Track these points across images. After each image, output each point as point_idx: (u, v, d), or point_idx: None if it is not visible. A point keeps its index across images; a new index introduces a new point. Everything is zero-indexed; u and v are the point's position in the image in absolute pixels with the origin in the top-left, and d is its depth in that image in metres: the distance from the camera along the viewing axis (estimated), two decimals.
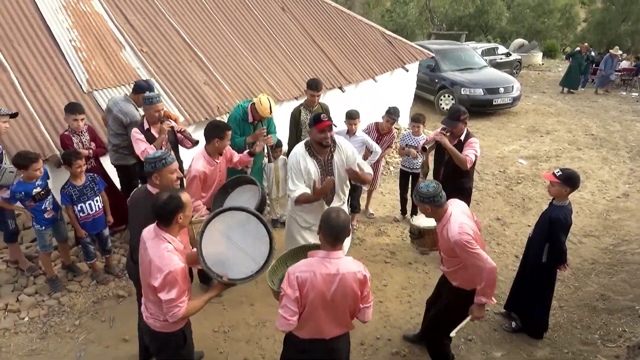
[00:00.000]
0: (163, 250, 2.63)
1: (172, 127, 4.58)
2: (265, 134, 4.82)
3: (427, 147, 4.96)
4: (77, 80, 6.07)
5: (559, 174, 3.76)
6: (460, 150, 4.63)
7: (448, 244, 3.18)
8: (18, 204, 4.28)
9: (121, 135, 4.91)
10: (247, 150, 4.55)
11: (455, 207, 3.27)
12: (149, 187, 3.17)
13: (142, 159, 4.32)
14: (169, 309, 2.65)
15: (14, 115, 4.49)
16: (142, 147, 4.44)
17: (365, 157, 5.61)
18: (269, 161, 5.65)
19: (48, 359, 3.87)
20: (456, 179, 4.72)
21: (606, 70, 14.84)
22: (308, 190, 3.74)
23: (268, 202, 5.83)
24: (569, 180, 3.73)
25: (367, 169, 3.95)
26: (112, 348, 3.97)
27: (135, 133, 4.53)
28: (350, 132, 5.44)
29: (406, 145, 5.86)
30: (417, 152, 5.66)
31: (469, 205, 5.10)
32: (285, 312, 2.58)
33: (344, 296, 2.60)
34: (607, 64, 14.79)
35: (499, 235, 6.06)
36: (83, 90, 6.02)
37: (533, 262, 4.03)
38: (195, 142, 4.72)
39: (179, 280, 2.62)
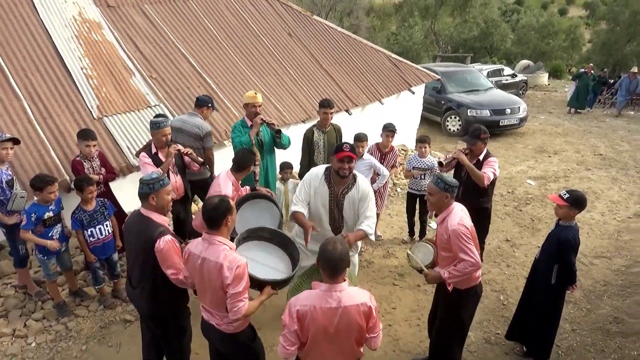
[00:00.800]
0: (224, 251, 2.76)
1: (178, 151, 4.64)
2: (262, 117, 4.94)
3: (444, 163, 4.97)
4: (88, 107, 6.20)
5: (566, 196, 3.71)
6: (479, 169, 4.65)
7: (445, 234, 3.30)
8: (36, 238, 4.24)
9: (198, 150, 5.08)
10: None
11: (458, 206, 3.42)
12: (142, 210, 3.14)
13: None
14: (234, 303, 2.74)
15: (16, 141, 4.53)
16: (149, 170, 4.48)
17: (372, 181, 5.63)
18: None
19: None
20: (474, 199, 4.70)
21: (624, 91, 14.59)
22: (305, 212, 3.72)
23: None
24: (576, 202, 3.69)
25: (368, 226, 3.71)
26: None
27: (143, 157, 4.62)
28: (358, 155, 5.44)
29: (412, 167, 5.88)
30: (427, 172, 5.77)
31: (488, 228, 5.11)
32: (285, 341, 2.60)
33: (348, 329, 2.55)
34: (626, 84, 14.56)
35: (509, 257, 5.99)
36: (93, 117, 6.13)
37: (541, 285, 3.95)
38: (202, 164, 4.80)
39: (246, 274, 2.76)
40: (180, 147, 4.67)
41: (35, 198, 4.27)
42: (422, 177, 5.88)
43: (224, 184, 4.10)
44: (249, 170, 4.21)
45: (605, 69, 17.63)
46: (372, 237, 3.77)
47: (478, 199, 4.78)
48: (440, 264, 3.52)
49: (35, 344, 4.24)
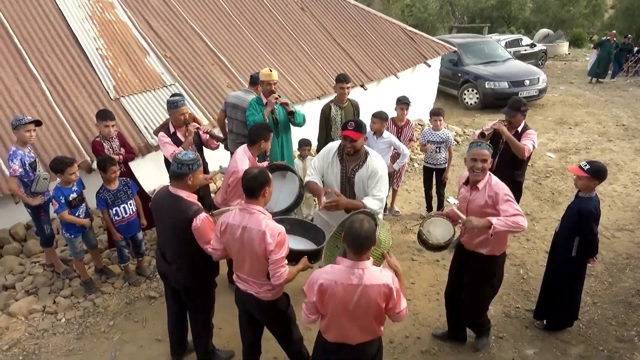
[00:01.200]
0: (264, 220, 2.84)
1: (198, 129, 4.68)
2: (277, 96, 4.88)
3: (486, 134, 4.86)
4: (105, 88, 6.23)
5: (586, 167, 3.66)
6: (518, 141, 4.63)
7: (486, 199, 3.33)
8: (75, 218, 4.38)
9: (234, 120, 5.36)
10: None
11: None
12: (171, 189, 3.17)
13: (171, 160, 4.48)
14: (277, 269, 2.84)
15: (38, 124, 4.58)
16: (170, 150, 4.59)
17: (393, 160, 5.59)
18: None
19: (85, 359, 3.99)
20: (509, 171, 4.68)
21: None
22: (318, 181, 3.81)
23: None
24: (597, 173, 3.64)
25: (372, 204, 3.59)
26: (146, 348, 4.06)
27: (162, 137, 4.67)
28: (377, 133, 5.40)
29: (427, 141, 5.84)
30: (442, 145, 5.79)
31: (519, 200, 5.04)
32: (307, 309, 2.68)
33: (367, 307, 2.55)
34: None
35: (529, 231, 5.94)
36: (110, 97, 6.17)
37: (562, 258, 3.93)
38: (222, 140, 4.86)
39: (286, 242, 2.87)
40: (199, 125, 4.70)
41: (58, 180, 4.35)
42: (438, 150, 5.82)
43: (241, 159, 4.10)
44: (262, 145, 4.16)
45: (630, 35, 16.83)
46: (377, 214, 3.48)
47: (513, 172, 4.77)
48: (469, 234, 3.51)
49: (65, 320, 4.38)
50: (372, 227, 2.58)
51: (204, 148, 5.06)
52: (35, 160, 4.54)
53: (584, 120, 10.47)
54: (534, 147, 4.65)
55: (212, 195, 6.10)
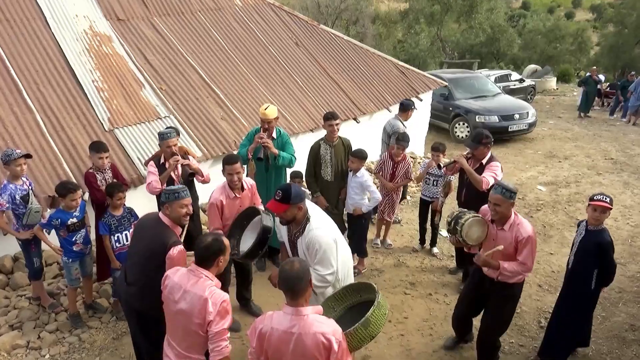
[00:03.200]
0: (209, 286, 2.68)
1: (177, 161, 4.70)
2: (262, 136, 4.93)
3: (443, 165, 5.08)
4: (99, 119, 6.27)
5: (608, 199, 3.78)
6: (480, 174, 4.65)
7: (514, 240, 3.50)
8: (47, 237, 4.42)
9: (387, 144, 6.50)
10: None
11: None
12: (160, 214, 3.31)
13: (147, 190, 4.69)
14: (217, 342, 2.61)
15: (28, 156, 4.62)
16: (149, 179, 4.68)
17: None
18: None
19: None
20: (478, 203, 4.54)
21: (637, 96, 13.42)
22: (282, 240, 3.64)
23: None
24: (612, 203, 3.81)
25: (315, 280, 2.97)
26: None
27: (150, 166, 4.76)
28: (353, 171, 5.34)
29: (428, 173, 5.85)
30: (440, 178, 5.76)
31: None
32: (250, 355, 2.58)
33: (304, 358, 2.36)
34: (638, 89, 13.42)
35: None
36: (105, 129, 6.20)
37: (579, 291, 3.98)
38: (202, 175, 4.93)
39: (230, 311, 2.68)
40: (179, 158, 4.71)
41: (62, 204, 4.37)
42: (435, 183, 5.84)
43: (216, 190, 4.23)
44: (225, 173, 4.13)
45: (633, 72, 16.51)
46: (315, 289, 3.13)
47: (482, 203, 4.69)
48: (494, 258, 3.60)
49: (49, 356, 4.26)
50: (304, 268, 2.46)
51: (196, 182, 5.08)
52: (27, 193, 4.52)
53: (573, 153, 10.64)
54: (495, 179, 4.60)
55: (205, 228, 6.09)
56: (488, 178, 4.60)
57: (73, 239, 4.41)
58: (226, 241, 2.81)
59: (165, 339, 2.90)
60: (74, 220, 4.37)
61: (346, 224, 5.77)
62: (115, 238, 4.49)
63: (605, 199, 3.76)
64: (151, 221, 3.32)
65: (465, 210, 3.93)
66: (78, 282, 4.60)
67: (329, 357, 2.34)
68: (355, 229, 5.55)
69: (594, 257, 3.81)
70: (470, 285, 4.04)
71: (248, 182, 4.41)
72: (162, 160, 4.80)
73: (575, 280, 3.98)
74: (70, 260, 4.45)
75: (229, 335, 2.66)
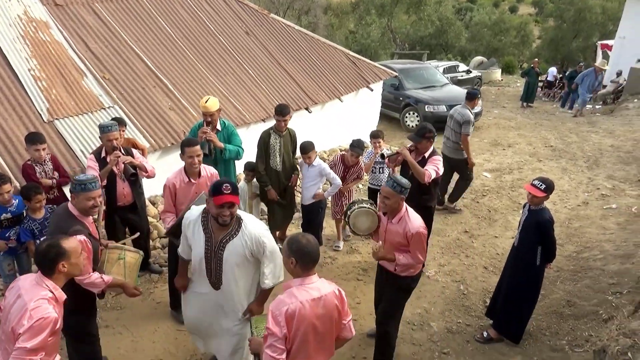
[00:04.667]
0: (40, 297, 2.40)
1: (118, 157, 4.51)
2: (205, 131, 4.83)
3: (386, 155, 5.15)
4: (37, 110, 5.95)
5: (542, 186, 3.96)
6: (423, 167, 4.74)
7: (402, 234, 3.53)
8: None
9: (458, 134, 6.67)
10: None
11: (407, 206, 3.64)
12: (69, 204, 3.26)
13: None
14: (16, 359, 2.28)
15: None
16: (89, 173, 4.42)
17: (324, 189, 5.64)
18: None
19: None
20: (418, 196, 4.75)
21: (585, 88, 13.44)
22: (187, 258, 3.36)
23: None
24: (550, 189, 4.00)
25: (269, 282, 3.17)
26: None
27: (90, 160, 4.59)
28: (307, 164, 5.40)
29: (372, 161, 5.94)
30: (383, 164, 5.80)
31: (431, 226, 5.21)
32: (274, 351, 2.43)
33: (330, 318, 2.56)
34: (590, 81, 13.36)
35: (467, 248, 6.18)
36: (43, 120, 5.89)
37: (525, 268, 4.18)
38: (146, 171, 4.78)
39: (46, 330, 2.34)
40: (120, 154, 4.54)
41: None
42: (381, 171, 5.96)
43: (173, 172, 4.20)
44: (182, 157, 4.09)
45: (582, 63, 16.81)
46: (270, 284, 3.19)
47: (421, 197, 4.83)
48: (387, 252, 3.66)
49: None
50: (315, 239, 2.62)
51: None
52: None
53: (516, 141, 11.11)
54: (437, 173, 4.73)
55: (155, 221, 5.93)
56: (430, 171, 4.68)
57: (6, 235, 4.20)
58: (69, 244, 2.53)
59: None
60: (8, 215, 4.16)
61: (297, 214, 5.79)
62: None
63: (540, 185, 3.97)
64: (60, 209, 3.29)
65: (362, 200, 4.03)
66: (12, 277, 4.36)
67: (343, 306, 2.62)
68: (312, 218, 5.60)
69: (536, 234, 4.06)
70: (376, 278, 4.18)
71: (208, 170, 4.30)
72: (102, 154, 4.61)
73: (522, 257, 4.22)
74: (1, 254, 4.25)
75: (36, 358, 2.32)
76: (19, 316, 2.35)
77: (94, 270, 3.19)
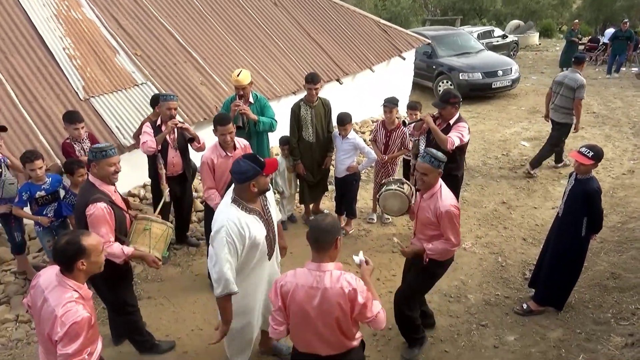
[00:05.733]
0: (67, 301, 2.31)
1: (175, 124, 4.61)
2: (238, 104, 4.82)
3: (407, 122, 4.98)
4: (74, 88, 6.06)
5: (590, 153, 3.77)
6: (447, 134, 4.56)
7: (432, 212, 3.31)
8: (27, 209, 4.31)
9: (570, 99, 6.76)
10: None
11: (441, 180, 3.41)
12: (89, 176, 3.26)
13: (142, 149, 4.64)
14: None
15: (3, 129, 4.49)
16: (143, 139, 4.61)
17: (357, 162, 5.55)
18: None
19: None
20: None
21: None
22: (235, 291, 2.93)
23: (277, 199, 5.74)
24: (598, 157, 3.81)
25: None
26: (125, 353, 3.97)
27: (146, 127, 4.69)
28: (342, 136, 5.31)
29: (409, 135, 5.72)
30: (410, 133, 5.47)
31: (458, 195, 5.03)
32: (273, 320, 2.55)
33: (328, 313, 2.40)
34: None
35: (506, 219, 6.03)
36: (80, 98, 6.00)
37: (570, 238, 4.03)
38: (199, 142, 4.83)
39: (82, 333, 2.29)
40: (178, 121, 4.63)
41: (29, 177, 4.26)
42: (418, 143, 5.79)
43: (208, 148, 4.22)
44: (216, 133, 4.07)
45: (626, 20, 15.25)
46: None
47: (446, 165, 4.58)
48: (418, 232, 3.56)
49: None
50: (332, 221, 2.48)
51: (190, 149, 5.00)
52: (0, 165, 4.38)
53: None
54: (460, 140, 4.51)
55: (195, 192, 6.03)
56: (454, 138, 4.48)
57: (44, 212, 4.31)
58: (89, 241, 2.40)
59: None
60: (42, 193, 4.25)
61: (331, 187, 5.75)
62: None
63: (588, 152, 3.78)
64: (84, 184, 3.33)
65: (392, 181, 3.93)
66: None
67: (353, 308, 2.39)
68: (346, 191, 5.55)
69: (582, 205, 3.89)
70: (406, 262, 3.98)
71: (241, 142, 4.31)
72: (158, 122, 4.71)
73: (566, 227, 4.06)
74: (41, 229, 4.38)
75: (83, 357, 2.31)
76: (50, 323, 2.29)
77: (117, 239, 3.22)
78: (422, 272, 3.60)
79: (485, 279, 4.88)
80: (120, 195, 3.51)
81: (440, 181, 3.39)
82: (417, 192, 3.63)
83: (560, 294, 4.26)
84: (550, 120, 7.23)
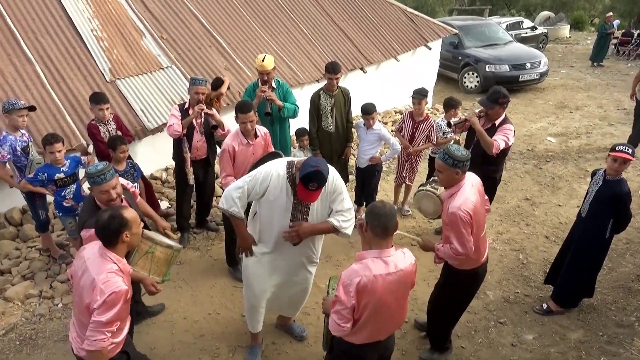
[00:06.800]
0: (107, 271, 2.43)
1: (202, 109, 4.59)
2: (264, 90, 4.79)
3: (453, 123, 4.72)
4: (100, 70, 6.12)
5: (630, 150, 3.67)
6: (492, 135, 4.32)
7: (445, 212, 3.16)
8: (37, 188, 4.31)
9: None
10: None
11: (468, 180, 3.14)
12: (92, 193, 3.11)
13: (168, 132, 4.63)
14: (95, 332, 2.37)
15: (32, 109, 4.54)
16: (170, 121, 4.62)
17: (380, 153, 5.49)
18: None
19: None
20: (483, 166, 4.31)
21: None
22: (243, 216, 3.17)
23: None
24: (634, 154, 3.70)
25: (345, 222, 3.12)
26: (144, 333, 4.04)
27: (174, 109, 4.70)
28: (367, 126, 5.25)
29: (443, 132, 5.51)
30: (450, 131, 5.34)
31: (492, 199, 4.87)
32: (340, 318, 2.46)
33: (405, 290, 2.55)
34: None
35: (528, 216, 5.92)
36: (106, 80, 6.06)
37: (592, 240, 3.94)
38: (223, 129, 4.78)
39: (119, 304, 2.40)
40: (204, 107, 4.62)
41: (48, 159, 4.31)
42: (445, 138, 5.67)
43: (229, 135, 4.19)
44: (238, 120, 4.04)
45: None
46: (346, 231, 3.13)
47: (485, 167, 4.36)
48: (443, 233, 3.39)
49: (62, 305, 4.35)
50: (393, 207, 2.48)
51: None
52: (28, 144, 4.46)
53: (585, 104, 10.39)
54: (506, 143, 4.29)
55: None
56: (499, 142, 4.24)
57: (62, 194, 4.35)
58: (129, 214, 2.53)
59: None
60: (61, 175, 4.29)
61: (351, 177, 5.72)
62: None
63: (628, 150, 3.66)
64: (88, 196, 3.19)
65: (428, 181, 3.88)
66: (77, 232, 4.56)
67: (415, 276, 2.60)
68: (367, 181, 5.52)
69: (609, 206, 3.77)
70: None
71: (261, 130, 4.29)
72: (186, 106, 4.72)
73: (590, 229, 3.94)
74: (61, 214, 4.44)
75: (112, 329, 2.43)
76: (90, 291, 2.40)
77: None
78: (443, 278, 3.53)
79: (505, 276, 4.81)
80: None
81: (464, 183, 3.10)
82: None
83: (574, 293, 4.18)
84: (635, 100, 7.33)
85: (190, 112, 4.65)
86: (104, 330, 2.38)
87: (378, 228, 2.40)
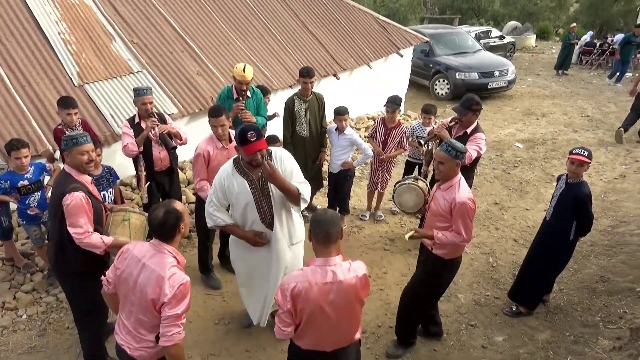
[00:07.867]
0: (170, 264, 2.46)
1: (156, 124, 4.45)
2: (241, 107, 4.74)
3: (424, 142, 4.76)
4: (68, 74, 5.98)
5: (585, 153, 3.80)
6: (464, 143, 4.34)
7: (447, 203, 3.25)
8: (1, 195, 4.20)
9: None
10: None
11: (461, 175, 3.36)
12: (65, 166, 3.17)
13: (124, 153, 4.47)
14: (170, 327, 2.40)
15: None
16: (125, 141, 4.44)
17: (352, 158, 5.53)
18: None
19: (48, 356, 3.84)
20: None
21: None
22: (231, 221, 3.41)
23: None
24: (591, 157, 3.83)
25: (305, 190, 3.28)
26: (112, 343, 3.93)
27: (125, 127, 4.52)
28: (339, 130, 5.29)
29: (416, 136, 5.60)
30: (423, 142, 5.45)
31: None
32: (280, 322, 2.50)
33: (347, 303, 2.47)
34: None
35: (497, 220, 6.05)
36: (74, 84, 5.92)
37: (558, 243, 4.04)
38: (180, 139, 4.72)
39: (188, 294, 2.46)
40: (157, 121, 4.49)
41: (12, 165, 4.17)
42: (427, 146, 5.71)
43: (204, 139, 4.15)
44: (210, 124, 4.05)
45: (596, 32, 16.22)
46: (304, 197, 3.26)
47: None
48: (427, 223, 3.53)
49: (27, 316, 4.21)
50: (335, 214, 2.53)
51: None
52: None
53: (550, 111, 10.72)
54: (478, 153, 4.35)
55: (183, 187, 5.98)
56: (471, 152, 4.25)
57: (26, 202, 4.23)
58: (180, 205, 2.56)
59: (118, 319, 2.68)
60: (25, 182, 4.17)
61: (325, 182, 5.74)
62: None
63: (584, 152, 3.81)
64: (59, 175, 3.22)
65: (406, 177, 3.97)
66: (42, 241, 4.46)
67: (366, 290, 2.53)
68: (339, 187, 5.54)
69: (572, 209, 3.90)
70: (419, 255, 3.96)
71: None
72: (136, 120, 4.56)
73: (555, 232, 4.06)
74: (25, 222, 4.31)
75: (184, 321, 2.48)
76: (156, 287, 2.40)
77: (96, 231, 3.13)
78: (427, 269, 3.58)
79: (475, 279, 4.90)
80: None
81: (460, 175, 3.32)
82: (435, 185, 3.58)
83: (534, 293, 4.28)
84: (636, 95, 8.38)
85: (142, 124, 4.50)
86: (178, 322, 2.42)
87: (320, 235, 2.42)
